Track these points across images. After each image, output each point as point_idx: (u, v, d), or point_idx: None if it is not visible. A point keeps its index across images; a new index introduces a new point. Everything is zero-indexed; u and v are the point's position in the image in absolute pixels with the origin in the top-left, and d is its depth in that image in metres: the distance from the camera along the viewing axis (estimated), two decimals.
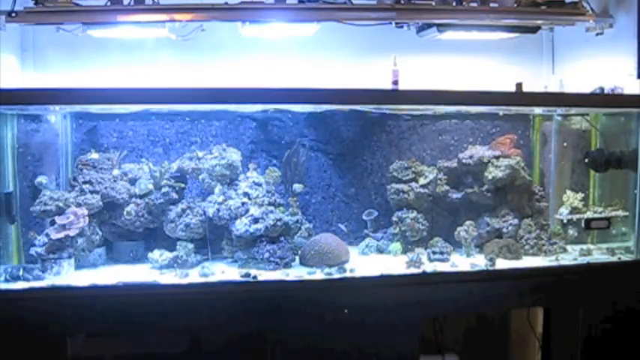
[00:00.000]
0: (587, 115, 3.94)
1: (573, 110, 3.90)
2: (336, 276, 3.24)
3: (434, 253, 3.54)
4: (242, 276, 3.19)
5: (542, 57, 4.43)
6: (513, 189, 3.76)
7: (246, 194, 3.50)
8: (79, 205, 3.32)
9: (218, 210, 3.42)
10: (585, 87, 3.83)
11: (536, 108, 3.91)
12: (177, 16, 3.49)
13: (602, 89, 3.71)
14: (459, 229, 3.70)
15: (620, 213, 3.76)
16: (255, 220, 3.38)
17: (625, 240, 3.80)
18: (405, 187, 3.79)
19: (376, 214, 3.86)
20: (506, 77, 3.86)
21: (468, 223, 3.69)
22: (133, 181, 3.56)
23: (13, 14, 3.33)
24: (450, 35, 3.80)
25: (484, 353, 3.88)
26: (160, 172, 3.55)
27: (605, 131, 3.92)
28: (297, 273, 3.27)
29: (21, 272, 3.07)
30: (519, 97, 3.58)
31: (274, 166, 3.77)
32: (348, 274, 3.27)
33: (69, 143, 3.67)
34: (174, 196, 3.53)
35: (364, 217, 3.87)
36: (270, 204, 3.48)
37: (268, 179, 3.65)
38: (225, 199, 3.44)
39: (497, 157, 3.76)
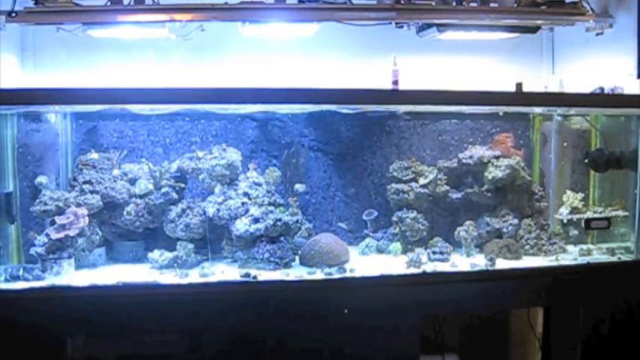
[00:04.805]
0: (587, 115, 3.94)
1: (573, 110, 3.90)
2: (336, 276, 3.24)
3: (434, 253, 3.54)
4: (242, 276, 3.19)
5: (542, 57, 4.43)
6: (513, 189, 3.76)
7: (246, 194, 3.50)
8: (79, 205, 3.32)
9: (218, 210, 3.42)
10: (585, 87, 3.83)
11: (536, 108, 3.90)
12: (177, 16, 3.49)
13: (602, 89, 3.71)
14: (459, 229, 3.70)
15: (620, 213, 3.76)
16: (255, 220, 3.38)
17: (625, 240, 3.80)
18: (405, 187, 3.79)
19: (376, 214, 3.86)
20: (506, 77, 3.86)
21: (468, 223, 3.69)
22: (133, 181, 3.56)
23: (13, 14, 3.33)
24: (450, 35, 3.80)
25: (484, 353, 3.88)
26: (160, 172, 3.55)
27: (605, 131, 3.91)
28: (297, 273, 3.27)
29: (21, 272, 3.07)
30: (519, 97, 3.58)
31: (274, 166, 3.77)
32: (348, 274, 3.27)
33: (69, 143, 3.67)
34: (174, 196, 3.53)
35: (364, 217, 3.87)
36: (270, 204, 3.48)
37: (268, 179, 3.65)
38: (225, 199, 3.44)
39: (497, 157, 3.77)
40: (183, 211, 3.48)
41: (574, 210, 3.81)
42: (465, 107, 3.75)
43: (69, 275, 3.15)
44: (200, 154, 3.61)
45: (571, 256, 3.65)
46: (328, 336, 3.11)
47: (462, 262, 3.50)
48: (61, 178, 3.58)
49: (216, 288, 3.13)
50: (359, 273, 3.30)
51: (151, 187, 3.52)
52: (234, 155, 3.61)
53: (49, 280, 3.08)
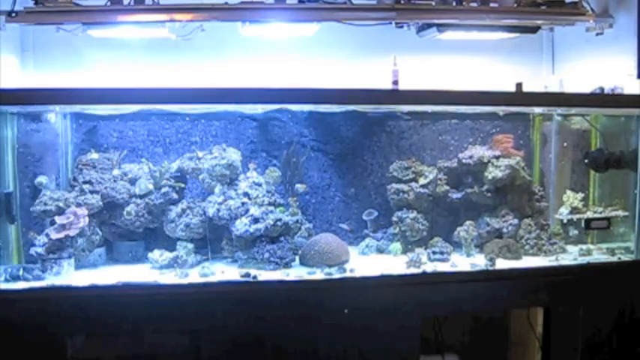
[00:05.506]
0: (587, 115, 3.94)
1: (573, 110, 3.90)
2: (336, 276, 3.24)
3: (434, 253, 3.54)
4: (242, 276, 3.19)
5: (542, 57, 4.43)
6: (513, 189, 3.76)
7: (246, 194, 3.50)
8: (79, 205, 3.32)
9: (218, 210, 3.42)
10: (585, 87, 3.83)
11: (536, 108, 3.91)
12: (177, 16, 3.49)
13: (602, 89, 3.72)
14: (459, 229, 3.70)
15: (620, 213, 3.76)
16: (255, 220, 3.38)
17: (625, 240, 3.80)
18: (405, 187, 3.79)
19: (376, 214, 3.86)
20: (506, 77, 3.85)
21: (468, 223, 3.69)
22: (133, 181, 3.56)
23: (13, 14, 3.33)
24: (450, 35, 3.81)
25: (484, 353, 3.88)
26: (160, 172, 3.55)
27: (605, 131, 3.92)
28: (297, 273, 3.27)
29: (21, 272, 3.07)
30: (519, 97, 3.58)
31: (274, 166, 3.77)
32: (348, 274, 3.27)
33: (69, 143, 3.67)
34: (174, 196, 3.53)
35: (364, 217, 3.87)
36: (270, 204, 3.48)
37: (268, 179, 3.65)
38: (225, 199, 3.44)
39: (497, 157, 3.77)
40: (183, 211, 3.48)
41: (574, 210, 3.81)
42: (465, 107, 3.75)
43: (69, 275, 3.15)
44: (200, 154, 3.61)
45: (571, 256, 3.65)
46: (328, 336, 3.11)
47: (462, 262, 3.50)
48: (61, 178, 3.58)
49: (216, 288, 3.13)
50: (359, 273, 3.30)
51: (151, 187, 3.52)
52: (234, 155, 3.61)
53: (49, 280, 3.08)
